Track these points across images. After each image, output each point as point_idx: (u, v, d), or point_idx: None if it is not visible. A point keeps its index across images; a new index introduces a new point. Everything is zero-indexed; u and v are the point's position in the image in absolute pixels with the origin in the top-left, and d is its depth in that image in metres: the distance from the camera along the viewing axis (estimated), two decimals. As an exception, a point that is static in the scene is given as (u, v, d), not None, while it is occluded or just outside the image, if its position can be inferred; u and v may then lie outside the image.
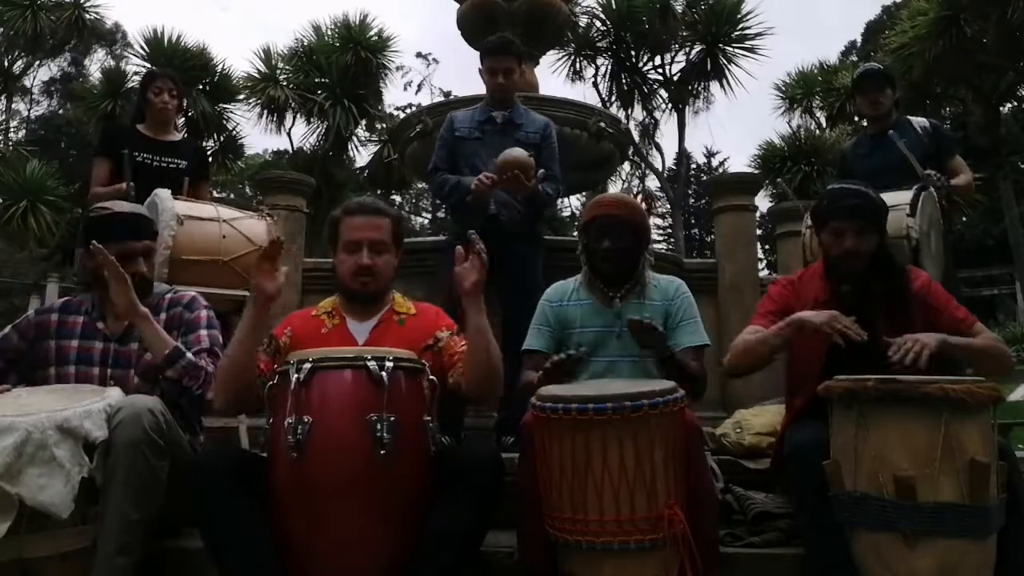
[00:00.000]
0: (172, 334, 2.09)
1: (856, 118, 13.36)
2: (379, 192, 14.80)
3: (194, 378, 1.99)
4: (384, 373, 1.63)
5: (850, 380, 1.77)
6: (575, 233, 3.05)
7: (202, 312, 2.17)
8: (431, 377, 1.75)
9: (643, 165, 17.32)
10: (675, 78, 13.55)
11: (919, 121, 3.37)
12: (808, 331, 1.98)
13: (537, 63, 5.56)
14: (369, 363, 1.64)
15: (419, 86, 22.14)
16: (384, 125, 13.64)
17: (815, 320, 1.97)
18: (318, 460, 1.57)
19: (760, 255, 10.73)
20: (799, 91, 13.77)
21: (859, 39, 28.56)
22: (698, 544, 1.62)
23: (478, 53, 3.37)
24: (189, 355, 2.01)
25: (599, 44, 13.36)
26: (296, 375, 1.63)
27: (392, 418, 1.60)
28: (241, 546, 1.62)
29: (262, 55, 12.83)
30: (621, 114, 13.14)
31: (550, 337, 2.28)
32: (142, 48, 12.15)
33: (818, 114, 14.02)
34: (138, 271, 2.07)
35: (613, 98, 13.71)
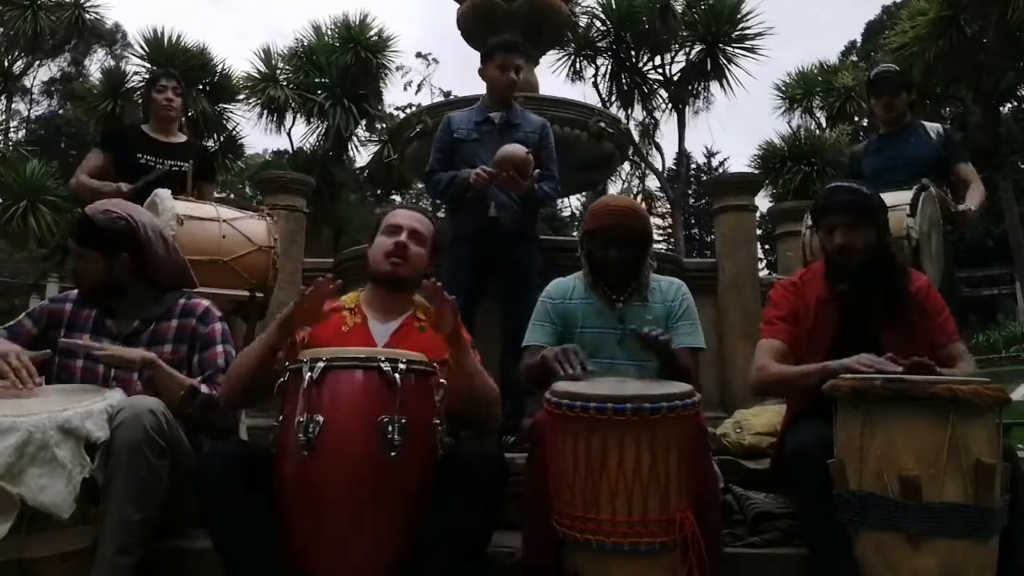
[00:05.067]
0: (183, 346, 2.10)
1: (856, 118, 13.42)
2: (379, 192, 14.81)
3: (217, 411, 1.99)
4: (397, 375, 1.62)
5: (857, 379, 1.76)
6: (575, 233, 3.04)
7: (216, 326, 2.16)
8: (442, 380, 1.74)
9: (643, 165, 17.34)
10: (675, 78, 13.59)
11: (933, 126, 3.32)
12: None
13: (537, 63, 5.54)
14: (382, 364, 1.64)
15: (419, 86, 22.10)
16: (384, 125, 13.66)
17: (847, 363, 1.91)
18: (328, 459, 1.56)
19: (760, 255, 10.73)
20: (799, 91, 13.82)
21: (859, 39, 28.66)
22: (705, 546, 1.60)
23: (481, 53, 3.33)
24: (203, 389, 1.98)
25: (599, 44, 13.39)
26: (309, 374, 1.62)
27: (403, 420, 1.59)
28: (246, 543, 1.61)
29: (262, 55, 12.89)
30: (621, 114, 13.17)
31: (552, 332, 2.25)
32: (142, 48, 12.21)
33: (818, 114, 14.09)
34: (94, 277, 2.07)
35: (613, 98, 13.75)
